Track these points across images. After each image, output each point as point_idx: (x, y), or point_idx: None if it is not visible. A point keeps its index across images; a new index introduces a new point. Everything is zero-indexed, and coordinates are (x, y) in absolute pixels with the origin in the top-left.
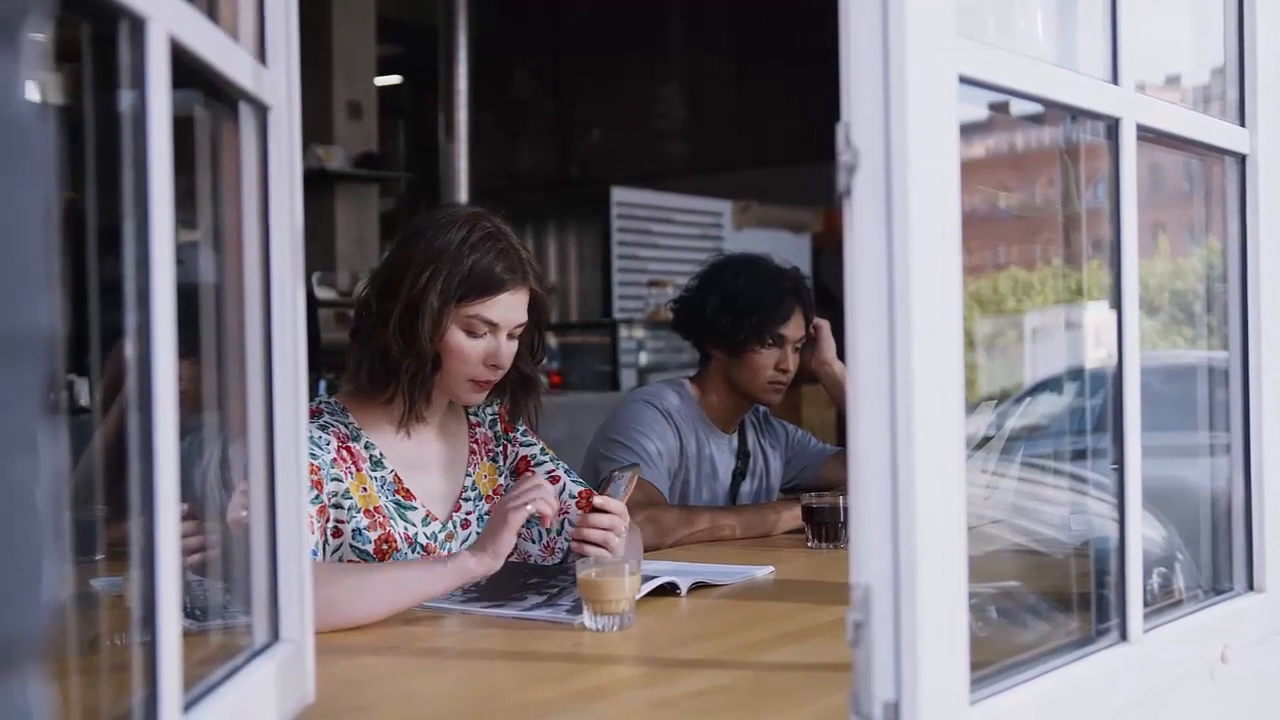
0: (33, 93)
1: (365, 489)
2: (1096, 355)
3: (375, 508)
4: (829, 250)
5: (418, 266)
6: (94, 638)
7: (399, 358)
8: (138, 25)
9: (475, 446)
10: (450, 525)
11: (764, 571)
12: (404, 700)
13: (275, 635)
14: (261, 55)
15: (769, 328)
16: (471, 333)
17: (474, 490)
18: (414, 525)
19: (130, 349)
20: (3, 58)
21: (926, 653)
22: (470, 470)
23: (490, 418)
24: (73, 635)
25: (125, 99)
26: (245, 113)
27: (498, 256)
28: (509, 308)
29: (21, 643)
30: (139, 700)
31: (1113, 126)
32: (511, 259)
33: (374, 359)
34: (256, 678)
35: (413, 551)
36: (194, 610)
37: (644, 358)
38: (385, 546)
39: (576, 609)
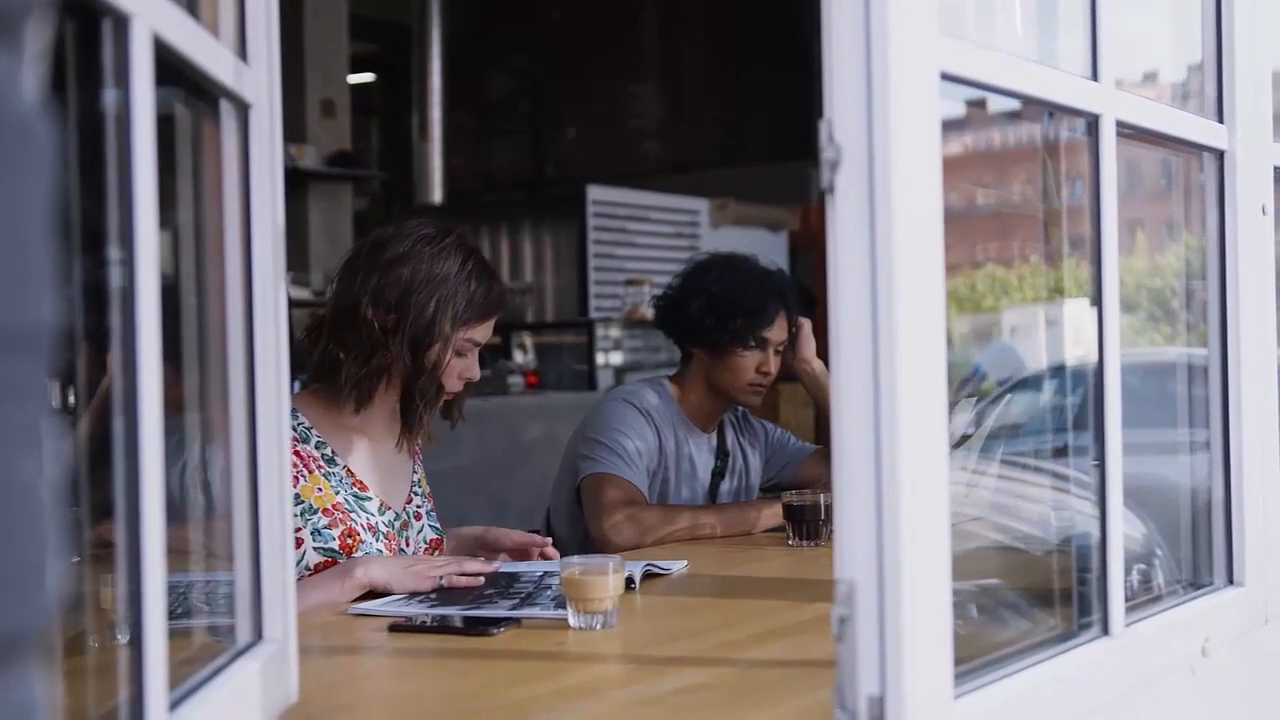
0: (34, 91)
1: (320, 489)
2: (1075, 353)
3: (334, 505)
4: (806, 248)
5: (421, 292)
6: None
7: (408, 380)
8: (121, 23)
9: (416, 448)
10: (405, 515)
11: (678, 566)
12: (387, 700)
13: (259, 635)
14: (243, 53)
15: (752, 331)
16: (460, 353)
17: (420, 487)
18: (373, 515)
19: (114, 350)
20: (5, 56)
21: (911, 647)
22: (416, 467)
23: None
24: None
25: (108, 97)
26: (226, 111)
27: (492, 283)
28: (491, 328)
29: (29, 636)
30: (125, 700)
31: (1093, 123)
32: (500, 284)
33: (376, 377)
34: (241, 677)
35: (376, 540)
36: (173, 609)
37: (621, 357)
38: (350, 541)
39: (561, 604)
